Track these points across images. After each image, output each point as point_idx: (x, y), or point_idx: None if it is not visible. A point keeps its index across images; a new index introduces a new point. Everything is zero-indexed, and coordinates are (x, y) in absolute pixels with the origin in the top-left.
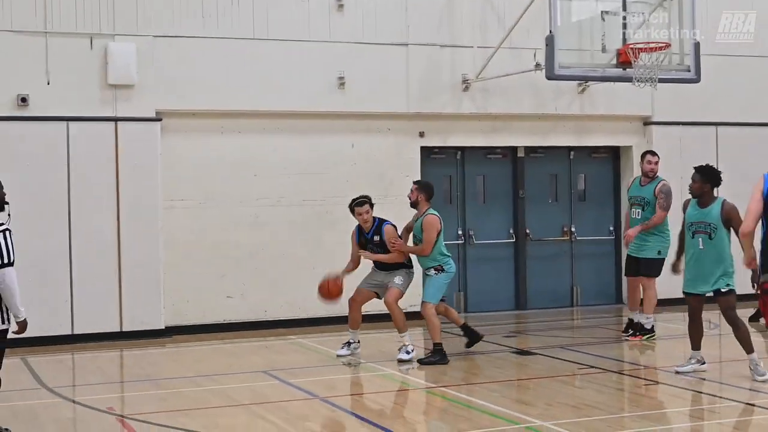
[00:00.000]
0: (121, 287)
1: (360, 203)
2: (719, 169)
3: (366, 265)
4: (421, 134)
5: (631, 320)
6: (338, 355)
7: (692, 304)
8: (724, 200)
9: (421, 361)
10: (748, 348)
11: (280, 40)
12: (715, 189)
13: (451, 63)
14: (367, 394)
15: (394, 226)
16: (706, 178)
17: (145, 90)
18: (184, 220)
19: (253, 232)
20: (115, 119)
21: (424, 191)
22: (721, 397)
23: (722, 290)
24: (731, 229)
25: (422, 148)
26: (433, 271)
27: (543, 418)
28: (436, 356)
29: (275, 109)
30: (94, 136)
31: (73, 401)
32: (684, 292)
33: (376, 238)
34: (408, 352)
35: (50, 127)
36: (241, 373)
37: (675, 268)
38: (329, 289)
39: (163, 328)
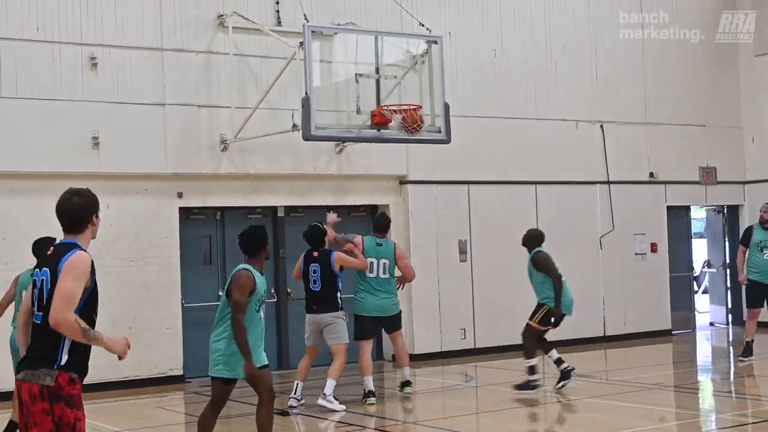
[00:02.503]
0: None
1: None
2: None
3: None
4: (180, 195)
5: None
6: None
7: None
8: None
9: None
10: None
11: (29, 98)
12: None
13: (209, 123)
14: None
15: None
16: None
17: None
18: None
19: None
20: None
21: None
22: None
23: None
24: None
25: (181, 209)
26: None
27: None
28: None
29: (24, 170)
30: None
31: None
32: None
33: None
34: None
35: None
36: None
37: None
38: None
39: None
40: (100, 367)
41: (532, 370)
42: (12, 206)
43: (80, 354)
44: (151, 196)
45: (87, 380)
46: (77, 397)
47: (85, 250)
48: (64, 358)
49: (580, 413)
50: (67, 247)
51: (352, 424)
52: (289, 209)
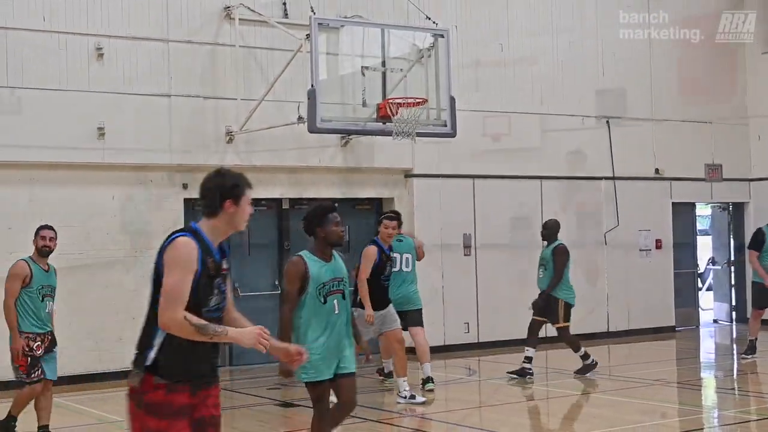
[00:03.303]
0: None
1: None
2: None
3: None
4: (185, 186)
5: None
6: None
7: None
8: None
9: None
10: None
11: (34, 88)
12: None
13: (214, 115)
14: None
15: None
16: None
17: None
18: None
19: None
20: None
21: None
22: None
23: None
24: None
25: (186, 200)
26: None
27: None
28: None
29: (29, 161)
30: None
31: None
32: None
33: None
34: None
35: None
36: None
37: None
38: None
39: None
40: (105, 358)
41: (585, 356)
42: (17, 196)
43: (172, 354)
44: (156, 187)
45: (90, 370)
46: (159, 406)
47: (193, 234)
48: (151, 357)
49: (583, 408)
50: (173, 233)
51: (354, 416)
52: (294, 201)
